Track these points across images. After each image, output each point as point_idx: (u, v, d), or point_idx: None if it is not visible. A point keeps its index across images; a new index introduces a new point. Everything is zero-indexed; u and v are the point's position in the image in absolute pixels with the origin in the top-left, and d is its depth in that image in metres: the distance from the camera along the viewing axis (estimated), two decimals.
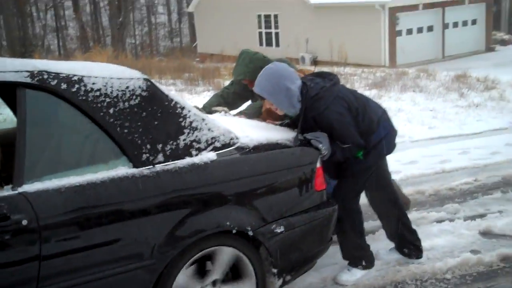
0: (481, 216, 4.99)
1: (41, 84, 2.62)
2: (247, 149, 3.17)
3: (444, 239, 4.47)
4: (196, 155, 2.96)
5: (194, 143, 2.97)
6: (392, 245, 4.15)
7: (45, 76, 2.64)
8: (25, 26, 37.95)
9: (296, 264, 3.35)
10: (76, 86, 2.70)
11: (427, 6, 22.02)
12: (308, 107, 3.53)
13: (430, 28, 22.57)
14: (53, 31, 47.12)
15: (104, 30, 46.53)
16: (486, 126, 9.13)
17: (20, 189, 2.48)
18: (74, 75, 2.73)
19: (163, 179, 2.79)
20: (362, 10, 21.60)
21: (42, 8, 46.68)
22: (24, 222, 2.41)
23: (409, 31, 22.04)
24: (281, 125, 3.78)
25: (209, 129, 3.07)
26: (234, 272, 3.13)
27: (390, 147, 3.85)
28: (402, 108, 10.33)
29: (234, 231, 2.96)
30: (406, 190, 5.57)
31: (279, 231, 3.15)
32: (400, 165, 6.71)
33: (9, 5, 34.79)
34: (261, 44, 26.66)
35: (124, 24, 40.06)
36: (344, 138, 3.55)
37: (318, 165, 3.41)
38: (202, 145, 2.99)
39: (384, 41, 21.28)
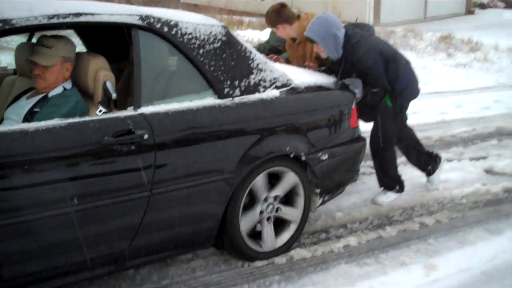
0: (483, 158, 5.87)
1: (150, 26, 3.21)
2: (300, 89, 3.86)
3: (456, 174, 5.33)
4: (263, 91, 3.61)
5: (261, 82, 3.62)
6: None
7: (152, 20, 3.22)
8: None
9: (333, 187, 4.09)
10: (174, 29, 3.28)
11: None
12: (349, 52, 4.25)
13: None
14: None
15: None
16: (475, 84, 10.01)
17: (139, 111, 3.10)
18: (172, 20, 3.31)
19: (240, 109, 3.42)
20: None
21: None
22: (145, 137, 3.00)
23: None
24: (319, 71, 4.50)
25: (271, 71, 3.71)
26: (288, 196, 3.84)
27: (414, 93, 4.63)
28: None
29: (291, 155, 3.66)
30: None
31: (324, 158, 3.86)
32: None
33: None
34: None
35: None
36: (376, 81, 4.29)
37: (353, 106, 4.13)
38: (267, 84, 3.65)
39: None
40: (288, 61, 4.94)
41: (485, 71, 11.05)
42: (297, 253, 3.80)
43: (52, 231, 2.81)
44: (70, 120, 2.87)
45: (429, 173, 4.95)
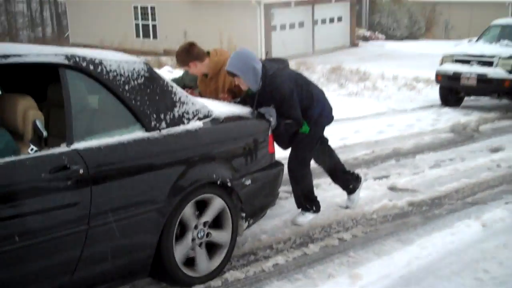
0: (385, 177, 6.36)
1: (76, 65, 3.35)
2: (221, 120, 4.10)
3: (363, 192, 5.71)
4: (188, 123, 3.81)
5: (184, 114, 3.82)
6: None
7: (77, 59, 3.37)
8: None
9: (257, 210, 4.34)
10: (100, 67, 3.44)
11: (299, 3, 23.75)
12: (267, 83, 4.56)
13: (301, 24, 24.36)
14: None
15: None
16: (368, 110, 10.71)
17: (72, 147, 3.19)
18: (96, 58, 3.46)
19: (167, 141, 3.61)
20: (239, 5, 22.82)
21: None
22: (81, 171, 3.13)
23: (283, 27, 23.66)
24: (234, 102, 4.77)
25: (192, 103, 3.93)
26: (216, 221, 4.02)
27: (328, 118, 5.03)
28: None
29: (218, 182, 3.85)
30: None
31: (247, 183, 4.11)
32: None
33: None
34: (138, 35, 27.00)
35: None
36: (290, 110, 4.60)
37: (270, 133, 4.44)
38: (190, 115, 3.85)
39: (261, 35, 22.71)
40: (201, 96, 5.16)
41: (376, 99, 11.85)
42: (231, 275, 3.98)
43: None
44: (7, 159, 2.93)
45: (350, 191, 5.32)
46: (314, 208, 5.01)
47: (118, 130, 3.46)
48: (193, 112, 3.88)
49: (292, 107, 4.62)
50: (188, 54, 4.91)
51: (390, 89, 12.99)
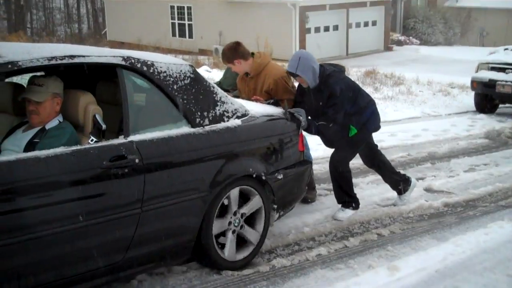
0: (421, 178, 6.60)
1: (132, 66, 3.72)
2: (257, 119, 4.40)
3: None
4: (227, 121, 4.13)
5: (225, 112, 4.15)
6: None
7: (133, 60, 3.74)
8: None
9: (286, 203, 4.64)
10: (152, 68, 3.80)
11: (334, 6, 23.98)
12: (322, 82, 4.95)
13: (335, 27, 24.58)
14: None
15: None
16: (402, 115, 10.93)
17: (129, 139, 3.55)
18: (148, 60, 3.84)
19: (210, 137, 3.95)
20: (274, 7, 23.16)
21: None
22: (137, 161, 3.49)
23: (317, 29, 23.92)
24: (268, 103, 5.01)
25: (231, 103, 4.27)
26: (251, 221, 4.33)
27: (375, 126, 5.32)
28: None
29: (254, 176, 4.16)
30: (356, 162, 7.12)
31: (280, 177, 4.40)
32: None
33: None
34: (173, 35, 27.53)
35: (26, 7, 39.33)
36: (331, 110, 4.92)
37: (300, 132, 4.73)
38: (229, 114, 4.18)
39: (295, 37, 23.00)
40: (237, 97, 5.48)
41: (410, 103, 12.04)
42: (278, 262, 4.30)
43: (59, 245, 3.20)
44: (74, 148, 3.30)
45: (399, 192, 5.64)
46: (353, 205, 5.30)
47: (168, 125, 3.81)
48: (232, 111, 4.20)
49: (335, 107, 4.94)
50: (235, 52, 5.21)
51: (425, 94, 13.17)
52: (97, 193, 3.33)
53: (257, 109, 4.57)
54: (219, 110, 4.10)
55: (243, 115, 4.28)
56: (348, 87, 5.04)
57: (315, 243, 4.73)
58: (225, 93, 4.31)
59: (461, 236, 4.89)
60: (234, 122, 4.16)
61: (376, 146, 5.63)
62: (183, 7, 27.11)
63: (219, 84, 6.03)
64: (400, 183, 5.61)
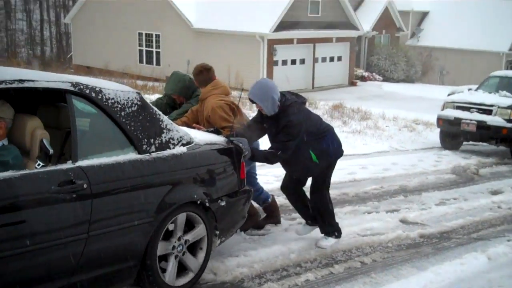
0: (396, 210, 6.88)
1: (80, 91, 3.74)
2: (200, 146, 4.46)
3: (377, 223, 6.25)
4: (173, 148, 4.19)
5: (170, 140, 4.20)
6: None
7: (81, 86, 3.76)
8: None
9: (228, 229, 4.77)
10: (100, 94, 3.83)
11: (301, 41, 24.61)
12: (282, 110, 5.07)
13: (302, 61, 25.17)
14: None
15: None
16: (372, 148, 11.27)
17: (77, 164, 3.56)
18: (96, 86, 3.85)
19: (157, 163, 4.01)
20: (243, 39, 23.59)
21: None
22: (85, 186, 3.50)
23: (285, 62, 24.45)
24: (208, 131, 5.12)
25: (176, 131, 4.31)
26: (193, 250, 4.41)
27: (337, 152, 5.44)
28: None
29: (198, 202, 4.23)
30: (333, 192, 7.38)
31: (222, 204, 4.50)
32: None
33: None
34: (141, 61, 27.65)
35: None
36: (287, 137, 5.02)
37: (242, 160, 4.85)
38: (175, 141, 4.23)
39: (263, 69, 23.45)
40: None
41: (378, 138, 12.42)
42: (269, 286, 4.45)
43: (4, 268, 3.18)
44: (23, 172, 3.33)
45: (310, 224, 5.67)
46: (336, 234, 5.49)
47: (115, 151, 3.87)
48: (177, 139, 4.30)
49: (288, 136, 5.02)
50: (195, 76, 5.54)
51: (391, 129, 13.59)
52: (44, 217, 3.34)
53: (201, 137, 4.67)
54: (165, 137, 4.17)
55: (188, 143, 4.36)
56: (305, 117, 5.14)
57: (302, 269, 4.90)
58: (171, 121, 4.41)
59: (439, 265, 5.14)
60: (180, 149, 4.24)
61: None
62: (151, 34, 27.30)
63: (164, 97, 6.12)
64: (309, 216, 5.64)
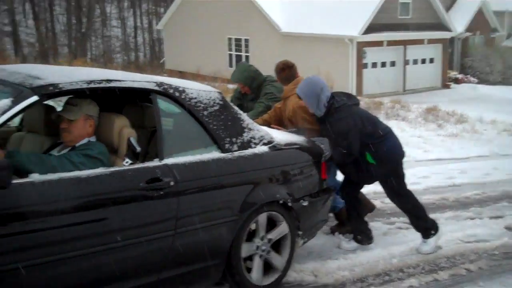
0: (500, 217, 6.56)
1: (165, 91, 3.83)
2: (282, 146, 4.44)
3: (481, 229, 5.99)
4: (255, 147, 4.20)
5: (252, 139, 4.20)
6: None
7: (166, 86, 3.85)
8: None
9: (311, 229, 4.70)
10: (183, 94, 3.90)
11: (391, 43, 24.16)
12: (329, 114, 4.94)
13: (393, 63, 24.69)
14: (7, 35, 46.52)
15: (56, 38, 46.09)
16: (470, 153, 10.87)
17: (163, 162, 3.64)
18: (180, 86, 3.94)
19: (240, 162, 4.03)
20: (332, 42, 23.42)
21: None
22: (172, 183, 3.57)
23: (374, 65, 24.07)
24: (290, 132, 5.09)
25: (257, 130, 4.33)
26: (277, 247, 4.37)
27: (399, 154, 5.17)
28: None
29: (281, 202, 4.22)
30: (432, 197, 7.19)
31: (305, 204, 4.45)
32: (417, 178, 8.27)
33: None
34: (230, 65, 28.01)
35: (87, 35, 40.74)
36: (344, 144, 4.88)
37: (323, 160, 4.76)
38: (256, 141, 4.23)
39: (352, 72, 23.19)
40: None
41: (476, 141, 11.98)
42: None
43: (96, 263, 3.27)
44: (112, 169, 3.42)
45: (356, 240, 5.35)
46: (433, 231, 5.25)
47: (199, 150, 3.91)
48: (259, 138, 4.28)
49: (346, 142, 4.87)
50: (277, 74, 5.53)
51: (490, 133, 13.06)
52: (133, 214, 3.42)
53: (281, 137, 4.64)
54: (246, 136, 4.18)
55: (269, 142, 4.34)
56: (360, 122, 4.94)
57: (405, 275, 4.77)
58: (252, 121, 4.41)
59: None
60: (261, 148, 4.23)
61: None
62: (240, 39, 27.66)
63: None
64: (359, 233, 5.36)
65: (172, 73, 30.11)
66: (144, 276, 3.51)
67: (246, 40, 27.41)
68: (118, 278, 3.38)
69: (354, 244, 5.28)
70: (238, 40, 27.88)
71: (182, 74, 29.09)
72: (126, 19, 54.46)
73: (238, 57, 27.83)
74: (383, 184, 5.23)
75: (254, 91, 6.03)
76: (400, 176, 5.21)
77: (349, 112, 4.92)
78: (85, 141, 3.65)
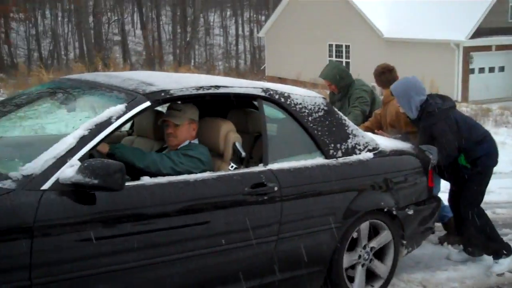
0: None
1: (270, 97, 3.81)
2: (387, 153, 4.32)
3: None
4: (359, 153, 4.11)
5: (356, 145, 4.11)
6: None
7: (271, 92, 3.83)
8: (99, 38, 39.89)
9: (415, 239, 4.50)
10: (288, 100, 3.87)
11: (500, 47, 23.11)
12: (422, 118, 4.73)
13: (502, 69, 23.60)
14: (115, 44, 48.89)
15: (161, 47, 47.77)
16: None
17: (267, 167, 3.62)
18: (285, 92, 3.91)
19: (344, 169, 3.95)
20: (436, 47, 22.73)
21: (105, 21, 48.56)
22: (275, 188, 3.55)
23: (481, 70, 23.11)
24: (395, 138, 4.92)
25: (362, 136, 4.22)
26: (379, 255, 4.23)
27: (492, 159, 4.83)
28: (504, 141, 11.38)
29: (385, 210, 4.10)
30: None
31: (410, 213, 4.31)
32: None
33: (86, 16, 36.91)
34: None
35: (192, 43, 42.01)
36: (440, 148, 4.62)
37: (430, 168, 4.57)
38: (361, 147, 4.14)
39: (458, 78, 22.39)
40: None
41: None
42: None
43: (199, 265, 3.29)
44: (219, 173, 3.46)
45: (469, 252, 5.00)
46: (505, 251, 4.84)
47: (303, 155, 3.86)
48: (363, 144, 4.18)
49: (441, 146, 4.63)
50: (377, 77, 5.43)
51: None
52: (238, 218, 3.42)
53: (386, 143, 4.52)
54: (351, 142, 4.10)
55: (374, 149, 4.25)
56: (456, 125, 4.69)
57: None
58: (356, 127, 4.32)
59: None
60: (366, 155, 4.14)
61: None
62: (341, 45, 27.48)
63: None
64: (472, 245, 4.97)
65: (272, 80, 30.40)
66: (247, 280, 3.54)
67: (347, 46, 27.20)
68: (222, 281, 3.43)
69: (464, 255, 5.03)
70: (338, 47, 27.72)
71: (282, 80, 29.36)
72: (228, 27, 55.78)
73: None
74: (467, 190, 4.85)
75: (342, 91, 5.93)
76: (486, 184, 4.90)
77: (443, 116, 4.72)
78: (186, 143, 3.73)
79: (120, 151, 3.38)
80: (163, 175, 3.34)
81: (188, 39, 41.60)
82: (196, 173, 3.43)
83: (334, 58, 27.82)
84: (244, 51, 53.86)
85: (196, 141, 3.79)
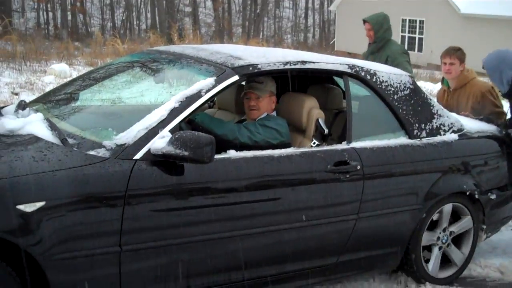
0: None
1: (357, 74, 3.74)
2: (472, 135, 4.20)
3: None
4: (444, 134, 4.01)
5: (441, 126, 4.02)
6: None
7: (358, 69, 3.76)
8: (171, 8, 40.30)
9: (495, 225, 4.39)
10: (374, 77, 3.79)
11: None
12: (510, 93, 4.54)
13: None
14: (185, 15, 49.24)
15: (231, 19, 47.86)
16: None
17: (351, 145, 3.58)
18: (371, 69, 3.83)
19: (427, 149, 3.86)
20: None
21: None
22: (358, 167, 3.51)
23: None
24: (478, 119, 4.70)
25: (447, 117, 4.11)
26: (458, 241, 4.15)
27: None
28: None
29: (467, 193, 4.00)
30: None
31: (492, 197, 4.19)
32: None
33: None
34: None
35: (261, 16, 41.93)
36: None
37: None
38: (446, 128, 4.04)
39: None
40: None
41: None
42: None
43: (281, 240, 3.32)
44: (303, 149, 3.42)
45: None
46: None
47: (386, 135, 3.80)
48: (448, 125, 4.07)
49: None
50: (458, 50, 5.14)
51: None
52: (319, 195, 3.41)
53: (471, 124, 4.39)
54: (436, 123, 4.00)
55: (459, 130, 4.14)
56: None
57: None
58: (441, 107, 4.21)
59: None
60: (451, 136, 4.04)
61: None
62: (415, 20, 26.80)
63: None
64: None
65: (341, 55, 30.06)
66: (325, 257, 3.56)
67: (421, 22, 26.54)
68: (300, 256, 3.46)
69: None
70: (412, 22, 27.07)
71: (352, 55, 28.95)
72: (299, 0, 55.20)
73: (411, 39, 27.05)
74: None
75: (377, 41, 5.73)
76: None
77: None
78: (264, 115, 3.73)
79: (200, 118, 3.43)
80: (240, 144, 3.37)
81: (257, 11, 41.52)
82: (274, 143, 3.45)
83: (406, 34, 27.23)
84: (313, 24, 53.27)
85: (274, 114, 3.80)
